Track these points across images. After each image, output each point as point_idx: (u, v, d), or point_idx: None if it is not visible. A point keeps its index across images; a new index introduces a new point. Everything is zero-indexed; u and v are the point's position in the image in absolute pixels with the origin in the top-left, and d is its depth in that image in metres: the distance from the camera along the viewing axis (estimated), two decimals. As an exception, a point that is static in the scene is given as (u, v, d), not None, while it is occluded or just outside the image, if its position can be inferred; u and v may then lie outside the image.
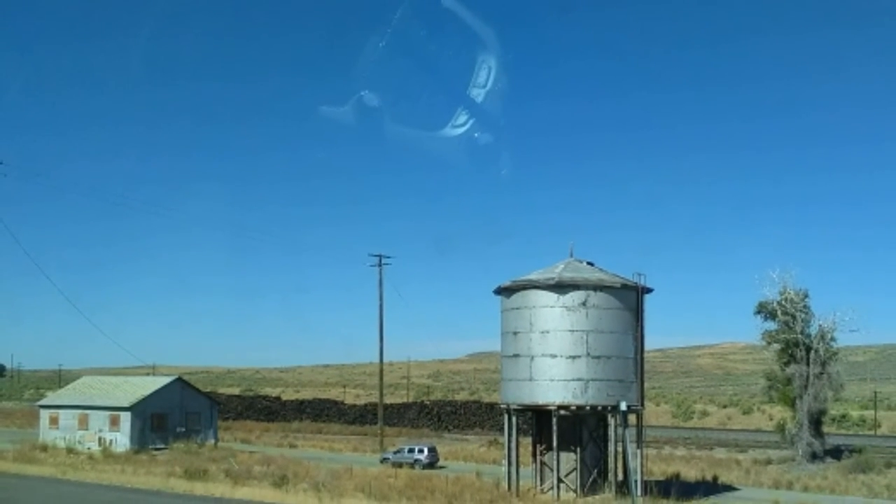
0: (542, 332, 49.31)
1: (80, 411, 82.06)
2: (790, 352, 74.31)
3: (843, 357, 78.35)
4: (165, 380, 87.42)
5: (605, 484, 50.07)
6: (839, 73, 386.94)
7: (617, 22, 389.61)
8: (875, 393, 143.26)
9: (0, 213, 59.45)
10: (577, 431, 49.96)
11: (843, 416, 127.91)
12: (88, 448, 74.92)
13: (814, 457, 71.81)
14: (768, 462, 73.19)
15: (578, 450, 49.83)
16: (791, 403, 75.60)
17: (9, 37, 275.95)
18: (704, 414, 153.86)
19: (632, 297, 50.82)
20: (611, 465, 51.27)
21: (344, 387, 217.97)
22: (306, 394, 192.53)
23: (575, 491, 49.07)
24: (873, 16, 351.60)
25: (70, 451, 71.72)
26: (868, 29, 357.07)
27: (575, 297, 48.96)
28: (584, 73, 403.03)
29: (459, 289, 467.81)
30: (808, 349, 73.35)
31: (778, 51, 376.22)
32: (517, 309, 50.88)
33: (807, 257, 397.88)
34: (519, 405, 51.16)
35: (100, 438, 78.28)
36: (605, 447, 51.76)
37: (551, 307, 49.24)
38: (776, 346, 76.32)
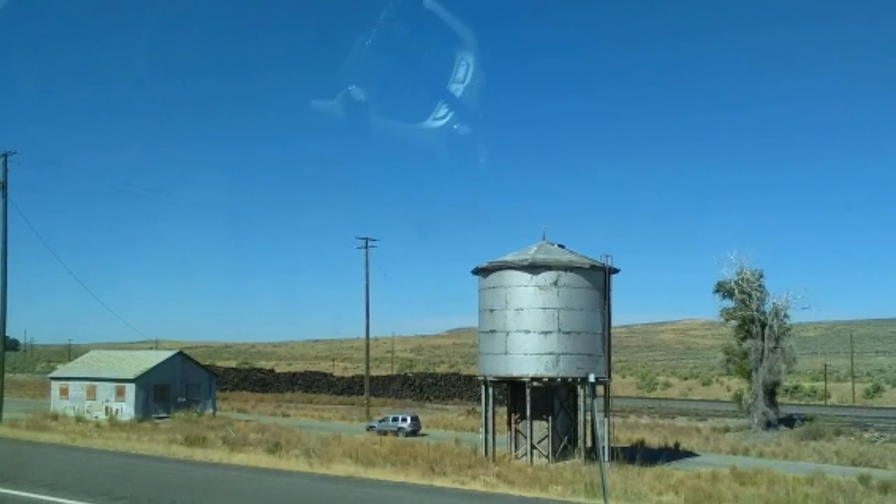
0: (517, 310, 49.43)
1: (88, 383, 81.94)
2: (746, 328, 74.76)
3: (795, 333, 78.74)
4: (167, 353, 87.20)
5: (575, 450, 50.23)
6: (792, 70, 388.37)
7: (586, 22, 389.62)
8: (825, 366, 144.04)
9: (14, 199, 58.98)
10: (548, 401, 50.10)
11: (796, 388, 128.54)
12: (96, 417, 74.77)
13: (768, 425, 72.25)
14: (726, 430, 73.53)
15: (550, 418, 49.99)
16: (747, 375, 76.04)
17: (23, 37, 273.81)
18: (667, 385, 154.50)
19: (600, 277, 50.93)
20: (580, 432, 51.42)
21: (333, 360, 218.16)
22: (298, 366, 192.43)
23: (547, 457, 49.21)
24: (823, 17, 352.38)
25: (79, 419, 71.52)
26: (819, 29, 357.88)
27: (547, 277, 49.07)
28: (555, 69, 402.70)
29: (440, 269, 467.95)
30: (763, 325, 73.80)
31: (735, 49, 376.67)
32: (493, 288, 50.97)
33: (762, 240, 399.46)
34: (495, 377, 51.27)
35: (107, 408, 78.15)
36: (575, 416, 51.89)
37: (525, 286, 49.34)
38: (734, 323, 76.78)
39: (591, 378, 48.08)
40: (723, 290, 76.63)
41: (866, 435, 70.27)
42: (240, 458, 37.88)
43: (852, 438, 67.10)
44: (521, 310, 49.28)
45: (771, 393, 74.37)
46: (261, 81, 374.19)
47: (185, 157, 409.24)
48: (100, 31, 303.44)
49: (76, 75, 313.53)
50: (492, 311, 50.72)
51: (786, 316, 74.72)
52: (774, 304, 74.85)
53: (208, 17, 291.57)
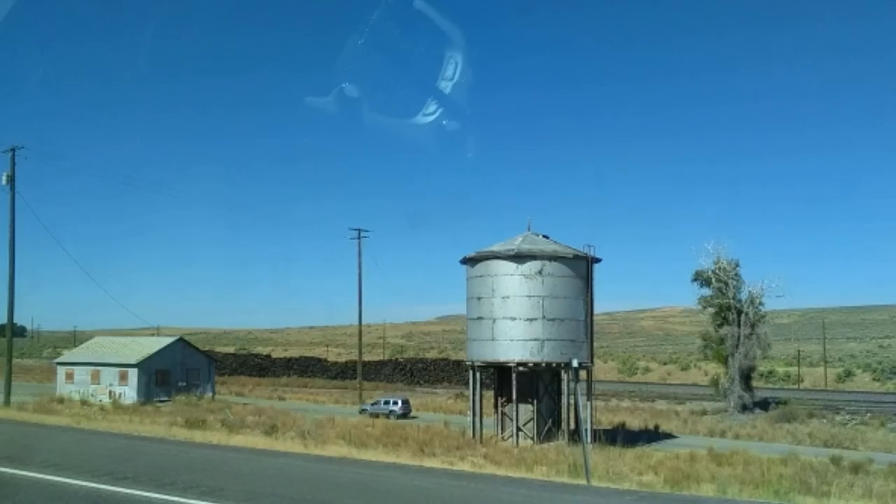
0: (503, 298, 49.54)
1: (92, 368, 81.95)
2: (723, 315, 75.05)
3: (770, 320, 79.22)
4: (168, 340, 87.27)
5: (559, 432, 50.35)
6: (766, 68, 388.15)
7: (570, 22, 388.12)
8: (798, 351, 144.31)
9: (21, 192, 58.82)
10: (533, 386, 50.24)
11: (771, 372, 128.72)
12: (100, 400, 74.67)
13: (744, 408, 72.55)
14: (704, 413, 73.82)
15: (535, 402, 50.13)
16: (724, 361, 76.39)
17: (29, 35, 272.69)
18: (647, 370, 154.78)
19: (582, 266, 51.07)
20: (564, 415, 51.53)
21: (327, 346, 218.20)
22: (294, 352, 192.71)
23: (532, 438, 49.36)
24: (796, 17, 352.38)
25: (84, 403, 71.38)
26: (791, 28, 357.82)
27: (532, 266, 49.18)
28: (540, 67, 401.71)
29: (429, 259, 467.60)
30: (739, 312, 74.06)
31: (711, 48, 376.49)
32: (481, 277, 51.05)
33: (738, 231, 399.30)
34: (483, 362, 51.40)
35: (110, 392, 78.11)
36: (559, 399, 52.05)
37: (511, 275, 49.44)
38: (711, 310, 77.08)
39: (575, 363, 48.46)
40: (700, 278, 76.91)
41: (838, 418, 70.55)
42: (238, 440, 37.89)
43: (824, 421, 67.33)
44: (508, 297, 49.40)
45: (746, 377, 74.63)
46: (258, 78, 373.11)
47: (185, 152, 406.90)
48: (104, 30, 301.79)
49: (81, 72, 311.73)
50: (479, 298, 50.81)
51: (761, 303, 75.05)
52: (750, 292, 75.18)
53: (208, 17, 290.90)
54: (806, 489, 28.88)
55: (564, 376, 51.00)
